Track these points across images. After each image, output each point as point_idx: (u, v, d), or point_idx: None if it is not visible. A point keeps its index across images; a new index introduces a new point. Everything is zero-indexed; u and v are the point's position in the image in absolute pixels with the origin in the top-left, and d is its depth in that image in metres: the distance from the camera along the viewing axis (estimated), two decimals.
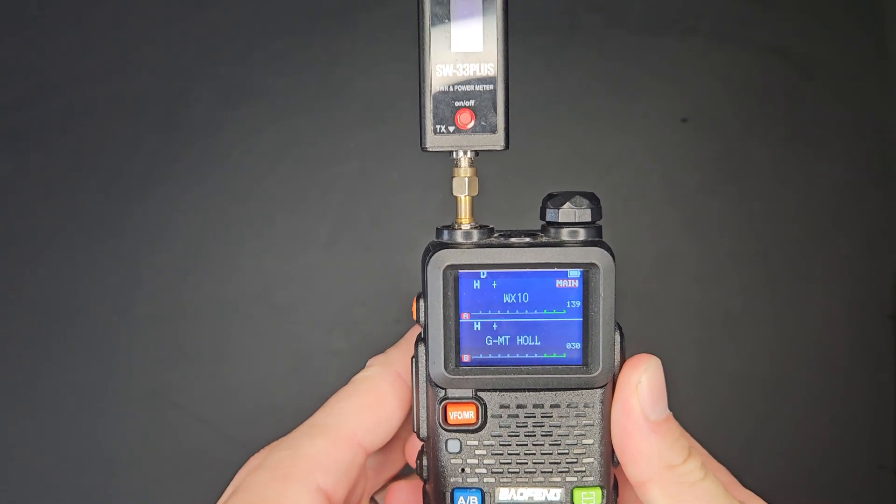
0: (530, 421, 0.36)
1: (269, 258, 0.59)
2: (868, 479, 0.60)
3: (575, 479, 0.36)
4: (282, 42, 0.59)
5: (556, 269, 0.35)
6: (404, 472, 0.44)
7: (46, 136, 0.59)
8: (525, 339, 0.35)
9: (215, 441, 0.59)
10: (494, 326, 0.35)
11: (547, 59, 0.59)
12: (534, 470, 0.36)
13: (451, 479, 0.36)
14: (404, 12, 0.58)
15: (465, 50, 0.35)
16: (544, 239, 0.35)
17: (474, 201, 0.36)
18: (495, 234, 0.36)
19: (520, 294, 0.35)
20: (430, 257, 0.35)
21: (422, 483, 0.38)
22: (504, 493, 0.36)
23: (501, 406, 0.36)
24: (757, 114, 0.59)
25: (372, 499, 0.43)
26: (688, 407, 0.56)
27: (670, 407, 0.36)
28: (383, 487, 0.43)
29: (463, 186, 0.36)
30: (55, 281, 0.59)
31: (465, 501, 0.36)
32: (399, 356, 0.40)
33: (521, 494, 0.36)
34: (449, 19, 0.35)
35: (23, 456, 0.59)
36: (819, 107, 0.59)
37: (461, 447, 0.36)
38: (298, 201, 0.59)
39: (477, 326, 0.35)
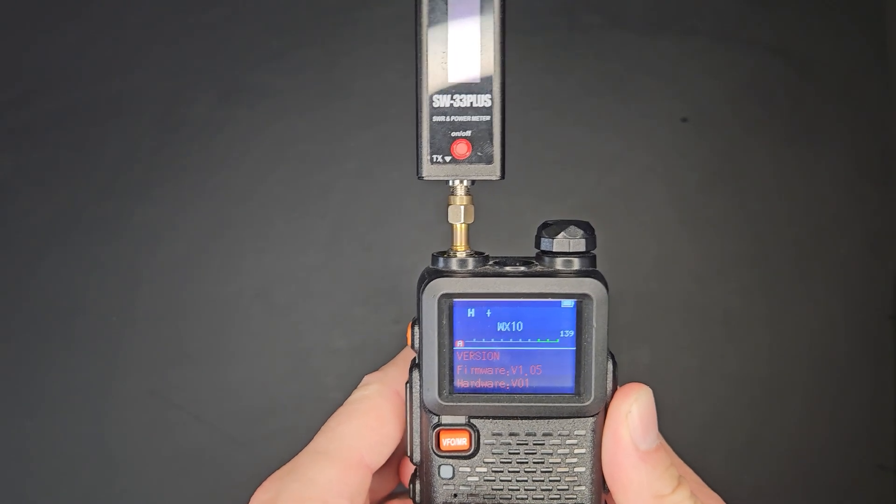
0: (522, 448, 0.36)
1: (269, 258, 0.59)
2: (868, 479, 0.60)
3: None
4: (282, 42, 0.59)
5: (549, 299, 0.35)
6: (397, 492, 0.44)
7: (46, 136, 0.59)
8: (518, 367, 0.36)
9: (215, 441, 0.59)
10: (488, 354, 0.36)
11: (547, 59, 0.59)
12: (525, 497, 0.36)
13: None
14: (404, 12, 0.57)
15: (462, 80, 0.35)
16: (538, 268, 0.36)
17: (470, 228, 0.37)
18: (490, 262, 0.36)
19: (514, 323, 0.35)
20: (426, 285, 0.35)
21: None
22: None
23: (494, 433, 0.36)
24: (757, 114, 0.59)
25: None
26: (688, 407, 0.56)
27: (671, 411, 0.36)
28: None
29: (459, 214, 0.36)
30: (55, 281, 0.59)
31: None
32: (396, 374, 0.40)
33: None
34: (446, 49, 0.35)
35: (23, 456, 0.59)
36: (819, 107, 0.59)
37: (454, 473, 0.37)
38: (298, 201, 0.59)
39: (471, 354, 0.36)
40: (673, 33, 0.59)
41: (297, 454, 0.39)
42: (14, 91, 0.59)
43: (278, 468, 0.39)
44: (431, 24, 0.35)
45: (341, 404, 0.40)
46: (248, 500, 0.38)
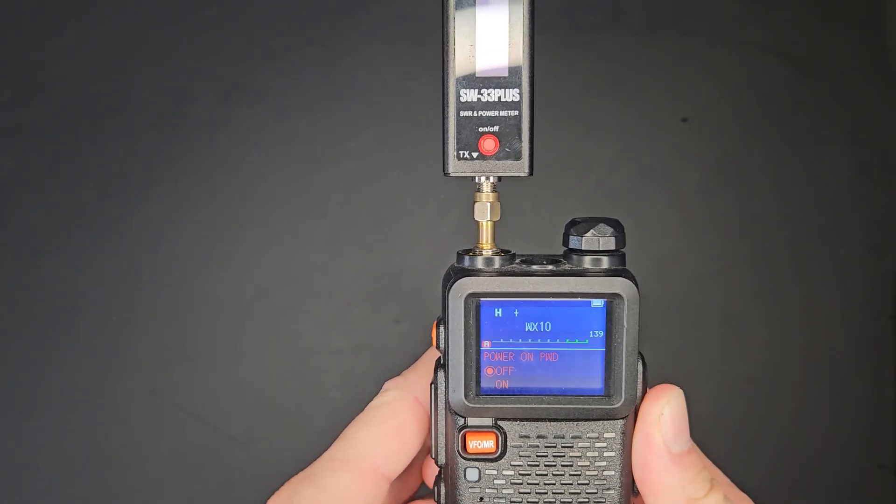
0: (551, 451, 0.36)
1: (269, 258, 0.59)
2: (868, 479, 0.60)
3: None
4: (282, 42, 0.59)
5: (579, 299, 0.34)
6: (420, 494, 0.44)
7: (46, 136, 0.59)
8: (547, 368, 0.35)
9: (215, 441, 0.59)
10: (516, 355, 0.35)
11: (547, 59, 0.59)
12: (553, 500, 0.36)
13: None
14: (405, 12, 0.58)
15: (490, 74, 0.34)
16: (567, 267, 0.35)
17: (496, 226, 0.36)
18: (517, 260, 0.36)
19: (542, 323, 0.35)
20: (452, 285, 0.34)
21: None
22: None
23: (522, 436, 0.36)
24: (757, 114, 0.59)
25: None
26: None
27: None
28: None
29: (485, 212, 0.36)
30: (55, 281, 0.59)
31: None
32: (416, 380, 0.39)
33: None
34: (474, 42, 0.34)
35: (23, 456, 0.59)
36: (819, 107, 0.59)
37: (480, 476, 0.36)
38: (298, 201, 0.59)
39: (498, 355, 0.35)
40: (673, 34, 0.59)
41: (299, 455, 0.39)
42: (14, 91, 0.59)
43: (278, 468, 0.39)
44: (459, 17, 0.34)
45: (341, 404, 0.40)
46: None
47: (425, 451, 0.40)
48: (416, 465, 0.41)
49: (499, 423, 0.35)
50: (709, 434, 0.43)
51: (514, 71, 0.34)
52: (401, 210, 0.59)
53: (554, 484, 0.36)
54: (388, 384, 0.39)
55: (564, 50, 0.59)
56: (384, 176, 0.59)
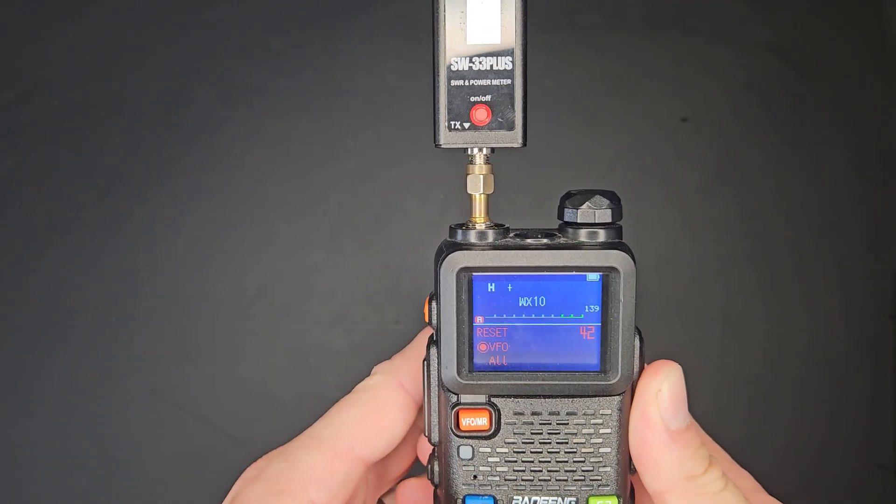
0: (545, 428, 0.35)
1: (269, 258, 0.59)
2: (868, 479, 0.60)
3: (590, 487, 0.35)
4: (282, 42, 0.59)
5: (574, 273, 0.33)
6: (415, 472, 0.43)
7: (46, 136, 0.59)
8: (541, 344, 0.34)
9: (215, 441, 0.59)
10: (509, 331, 0.34)
11: (547, 59, 0.59)
12: (548, 478, 0.35)
13: (463, 486, 0.35)
14: (404, 12, 0.58)
15: (481, 42, 0.33)
16: (562, 240, 0.34)
17: (489, 199, 0.35)
18: (511, 234, 0.35)
19: (536, 297, 0.34)
20: (444, 259, 0.33)
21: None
22: (517, 502, 0.35)
23: (516, 413, 0.35)
24: (757, 114, 0.59)
25: (380, 501, 0.42)
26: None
27: None
28: (391, 490, 0.43)
29: (478, 184, 0.35)
30: (55, 281, 0.59)
31: None
32: (404, 364, 0.39)
33: (535, 503, 0.35)
34: (465, 9, 0.33)
35: (23, 456, 0.59)
36: (819, 107, 0.59)
37: (473, 454, 0.35)
38: (298, 201, 0.59)
39: (491, 330, 0.34)
40: (673, 33, 0.59)
41: None
42: (14, 91, 0.59)
43: None
44: None
45: None
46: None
47: (416, 432, 0.40)
48: (404, 447, 0.41)
49: (492, 399, 0.35)
50: (708, 433, 0.43)
51: (507, 38, 0.33)
52: (401, 210, 0.59)
53: (549, 461, 0.35)
54: (376, 368, 0.39)
55: (564, 49, 0.59)
56: (384, 176, 0.59)
